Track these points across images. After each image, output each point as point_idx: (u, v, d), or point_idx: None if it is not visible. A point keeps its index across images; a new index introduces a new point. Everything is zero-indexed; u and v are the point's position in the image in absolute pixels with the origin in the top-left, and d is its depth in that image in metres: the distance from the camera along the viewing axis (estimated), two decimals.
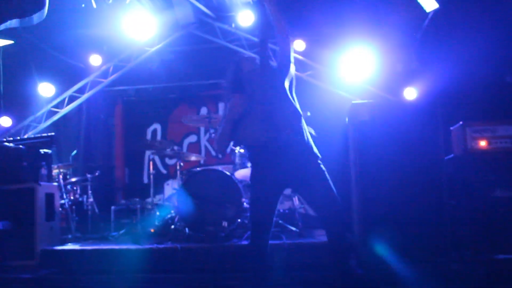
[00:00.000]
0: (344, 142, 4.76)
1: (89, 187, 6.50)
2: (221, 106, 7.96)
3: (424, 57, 6.80)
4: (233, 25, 7.37)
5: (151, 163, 6.03)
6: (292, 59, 3.23)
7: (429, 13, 6.26)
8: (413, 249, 4.02)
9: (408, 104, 5.12)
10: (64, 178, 6.22)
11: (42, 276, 4.52)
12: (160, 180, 6.81)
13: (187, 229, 4.95)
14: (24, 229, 4.90)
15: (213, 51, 7.72)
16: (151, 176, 5.91)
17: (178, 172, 5.71)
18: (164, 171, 8.17)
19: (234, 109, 3.06)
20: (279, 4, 3.14)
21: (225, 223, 4.72)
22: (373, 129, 4.21)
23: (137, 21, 6.80)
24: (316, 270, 4.09)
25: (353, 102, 4.44)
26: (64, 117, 7.89)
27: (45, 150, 5.54)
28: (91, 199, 6.48)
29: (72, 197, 6.30)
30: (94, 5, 6.48)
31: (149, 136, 8.33)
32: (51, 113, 7.79)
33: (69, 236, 5.72)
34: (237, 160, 5.51)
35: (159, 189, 6.69)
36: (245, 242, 4.57)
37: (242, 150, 5.45)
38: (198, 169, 5.54)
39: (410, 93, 6.80)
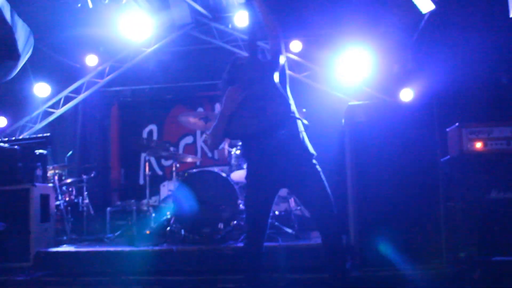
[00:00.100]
0: (340, 143, 4.75)
1: (84, 188, 6.48)
2: (217, 107, 7.95)
3: (421, 58, 6.80)
4: (229, 26, 7.36)
5: (147, 164, 6.00)
6: (282, 53, 3.22)
7: (425, 14, 6.26)
8: (409, 250, 4.01)
9: (404, 105, 5.13)
10: (60, 179, 6.20)
11: (37, 278, 4.50)
12: (156, 181, 6.79)
13: (182, 231, 4.93)
14: (18, 231, 4.87)
15: (209, 51, 7.71)
16: (147, 178, 5.89)
17: (174, 174, 5.70)
18: (160, 172, 8.15)
19: (228, 104, 3.05)
20: (269, 3, 3.12)
21: (221, 225, 4.70)
22: (370, 131, 4.21)
23: (134, 22, 6.79)
24: (312, 272, 4.08)
25: (350, 103, 4.43)
26: (60, 117, 7.86)
27: (41, 151, 5.52)
28: (86, 200, 6.46)
29: (67, 198, 6.27)
30: (90, 5, 6.45)
31: (145, 137, 8.30)
32: (46, 114, 7.76)
33: (64, 237, 5.70)
34: (233, 161, 5.49)
35: (155, 191, 6.66)
36: (241, 244, 4.55)
37: (238, 152, 5.43)
38: (194, 170, 5.52)
39: (407, 94, 6.81)
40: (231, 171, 5.46)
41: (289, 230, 5.10)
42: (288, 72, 3.32)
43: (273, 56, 3.16)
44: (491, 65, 5.82)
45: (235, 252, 4.35)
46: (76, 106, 7.96)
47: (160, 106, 8.32)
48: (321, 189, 3.05)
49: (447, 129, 4.48)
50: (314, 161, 3.12)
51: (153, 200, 6.48)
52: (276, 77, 3.05)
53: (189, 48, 7.84)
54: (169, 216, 5.40)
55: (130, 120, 8.39)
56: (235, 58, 3.37)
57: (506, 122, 4.19)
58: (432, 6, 6.05)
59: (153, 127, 8.34)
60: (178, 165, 5.81)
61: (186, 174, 5.25)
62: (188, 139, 8.23)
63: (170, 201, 5.45)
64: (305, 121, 3.16)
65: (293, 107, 3.18)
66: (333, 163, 4.76)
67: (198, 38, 7.57)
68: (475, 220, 4.05)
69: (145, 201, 5.94)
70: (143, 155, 8.07)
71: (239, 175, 5.23)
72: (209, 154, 8.02)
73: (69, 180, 6.41)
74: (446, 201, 4.17)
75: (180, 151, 8.03)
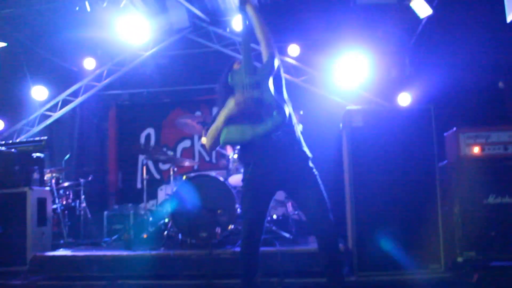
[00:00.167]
0: (338, 147, 4.75)
1: (81, 191, 6.46)
2: (215, 110, 7.92)
3: (418, 63, 6.82)
4: (227, 30, 7.37)
5: (144, 168, 5.99)
6: (276, 58, 3.21)
7: (422, 19, 6.28)
8: (407, 255, 4.01)
9: (402, 110, 5.13)
10: (57, 183, 6.18)
11: (33, 282, 4.48)
12: (153, 185, 6.79)
13: (180, 235, 4.92)
14: (15, 234, 4.86)
15: (207, 55, 7.71)
16: (145, 181, 5.87)
17: (172, 178, 5.68)
18: (158, 176, 8.13)
19: (229, 110, 3.04)
20: (266, 7, 3.14)
21: (218, 229, 4.68)
22: (367, 135, 4.21)
23: (132, 25, 6.78)
24: (310, 277, 4.08)
25: (347, 108, 4.44)
26: (57, 121, 7.85)
27: (38, 154, 5.51)
28: (83, 204, 6.44)
29: (64, 202, 6.26)
30: (88, 8, 6.46)
31: (142, 140, 8.29)
32: (44, 117, 7.75)
33: (61, 241, 5.68)
34: (230, 165, 5.49)
35: (153, 194, 6.67)
36: (238, 249, 4.53)
37: (236, 156, 5.42)
38: (191, 174, 5.51)
39: (404, 99, 6.82)
40: (229, 175, 5.45)
41: (287, 235, 5.09)
42: (284, 75, 3.31)
43: (267, 62, 3.15)
44: (488, 70, 5.84)
45: (232, 257, 4.34)
46: (73, 109, 7.95)
47: (158, 110, 8.31)
48: (317, 192, 3.04)
49: (445, 134, 4.49)
50: (310, 163, 3.11)
51: (151, 204, 6.48)
52: (271, 84, 3.05)
53: (187, 52, 7.84)
54: (166, 220, 5.39)
55: (128, 124, 8.38)
56: (233, 62, 3.37)
57: (504, 127, 4.20)
58: (429, 11, 6.08)
59: (150, 130, 8.33)
60: (175, 169, 5.80)
61: (184, 177, 5.24)
62: (186, 143, 8.21)
63: (168, 205, 5.42)
64: (300, 127, 3.15)
65: (290, 110, 3.18)
66: (331, 168, 4.77)
67: (196, 41, 7.58)
68: (473, 225, 4.05)
69: (142, 205, 5.93)
70: (140, 158, 8.05)
71: (237, 179, 5.22)
72: (207, 158, 8.00)
73: (66, 184, 6.39)
74: (444, 206, 4.18)
75: (178, 155, 8.02)
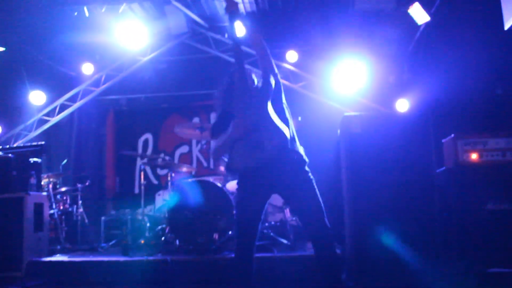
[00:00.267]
0: (336, 154, 4.75)
1: (79, 197, 6.44)
2: (213, 116, 7.94)
3: (416, 69, 6.84)
4: (226, 35, 7.38)
5: (142, 173, 5.97)
6: (274, 71, 3.22)
7: (420, 25, 6.30)
8: (404, 261, 3.99)
9: (399, 116, 5.13)
10: (54, 188, 6.15)
11: None
12: (151, 190, 6.75)
13: (177, 241, 4.90)
14: (11, 240, 4.82)
15: (205, 61, 7.72)
16: (142, 187, 5.86)
17: (169, 183, 5.67)
18: (156, 182, 8.11)
19: (235, 131, 3.05)
20: (260, 15, 3.17)
21: (216, 235, 4.67)
22: (365, 142, 4.20)
23: (130, 30, 6.79)
24: (308, 284, 4.06)
25: (345, 114, 4.43)
26: (55, 125, 7.84)
27: (35, 159, 5.48)
28: (81, 209, 6.41)
29: (61, 207, 6.22)
30: (87, 14, 6.47)
31: (140, 146, 8.28)
32: (42, 122, 7.74)
33: (58, 246, 5.65)
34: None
35: (150, 200, 6.62)
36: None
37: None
38: (189, 180, 5.49)
39: (402, 105, 6.83)
40: (227, 181, 5.44)
41: (285, 241, 5.08)
42: (283, 81, 3.32)
43: (264, 78, 3.17)
44: (486, 76, 5.85)
45: (230, 263, 4.32)
46: (71, 114, 7.94)
47: (155, 115, 8.30)
48: (312, 197, 3.04)
49: (443, 140, 4.49)
50: (306, 168, 3.11)
51: (148, 209, 6.44)
52: (271, 107, 3.06)
53: (185, 57, 7.85)
54: (164, 226, 5.37)
55: (126, 129, 8.37)
56: (233, 70, 3.37)
57: (502, 133, 4.20)
58: (427, 18, 6.10)
59: (148, 136, 8.32)
60: (173, 174, 5.78)
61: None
62: (184, 149, 8.20)
63: (165, 210, 5.41)
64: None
65: (288, 117, 3.19)
66: (329, 174, 4.76)
67: (194, 47, 7.59)
68: (471, 232, 4.04)
69: (140, 210, 5.90)
70: (138, 163, 8.03)
71: (234, 185, 5.19)
72: (205, 164, 7.99)
73: (63, 189, 6.36)
74: (442, 213, 4.17)
75: (176, 160, 8.00)
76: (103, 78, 7.78)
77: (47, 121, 7.74)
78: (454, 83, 6.00)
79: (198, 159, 8.12)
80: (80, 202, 6.43)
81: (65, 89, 7.80)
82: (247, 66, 3.43)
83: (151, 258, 4.59)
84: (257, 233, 3.12)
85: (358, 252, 4.11)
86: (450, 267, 4.07)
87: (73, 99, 7.79)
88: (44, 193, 5.55)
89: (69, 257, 5.00)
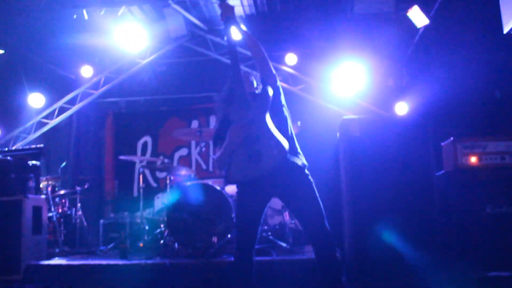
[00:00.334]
0: (335, 157, 4.74)
1: (78, 199, 6.42)
2: (212, 119, 7.94)
3: (415, 72, 6.84)
4: (225, 38, 7.34)
5: (141, 176, 5.96)
6: (273, 76, 3.22)
7: (419, 28, 6.31)
8: (404, 264, 3.99)
9: (399, 119, 5.13)
10: (53, 191, 6.14)
11: None
12: (150, 193, 6.73)
13: (176, 244, 4.88)
14: (9, 243, 4.79)
15: (205, 63, 7.72)
16: (141, 190, 5.84)
17: (168, 186, 5.66)
18: (154, 184, 8.09)
19: (230, 141, 3.04)
20: (259, 18, 3.18)
21: (214, 239, 4.66)
22: (364, 145, 4.20)
23: (129, 33, 6.79)
24: (307, 287, 4.04)
25: (344, 117, 4.43)
26: (54, 128, 7.83)
27: (34, 162, 5.47)
28: (79, 212, 6.39)
29: (60, 210, 6.20)
30: (86, 16, 6.46)
31: (139, 148, 8.26)
32: (40, 124, 7.73)
33: (57, 249, 5.63)
34: None
35: (149, 203, 6.60)
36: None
37: None
38: (188, 183, 5.48)
39: (401, 108, 6.83)
40: (226, 184, 5.42)
41: (284, 244, 5.07)
42: (282, 84, 3.32)
43: (263, 86, 3.17)
44: (486, 79, 5.86)
45: (229, 266, 4.31)
46: (70, 117, 7.94)
47: (155, 118, 8.29)
48: (312, 200, 3.04)
49: (442, 144, 4.49)
50: (306, 171, 3.11)
51: (147, 212, 6.42)
52: (269, 118, 3.06)
53: (185, 60, 7.85)
54: (162, 229, 5.35)
55: (125, 132, 8.35)
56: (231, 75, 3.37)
57: (501, 137, 4.20)
58: (426, 21, 6.11)
59: (147, 138, 8.30)
60: (172, 177, 5.77)
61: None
62: (183, 151, 8.18)
63: (164, 213, 5.39)
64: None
65: (288, 121, 3.19)
66: (328, 177, 4.75)
67: (194, 50, 7.59)
68: (471, 235, 4.04)
69: (138, 213, 5.88)
70: (137, 166, 8.02)
71: (233, 188, 5.17)
72: (204, 167, 7.98)
73: (62, 192, 6.35)
74: (441, 216, 4.16)
75: (175, 163, 7.99)
76: (102, 81, 7.77)
77: (46, 123, 7.73)
78: (453, 86, 6.01)
79: (197, 161, 8.10)
80: (79, 205, 6.41)
81: (64, 91, 7.79)
82: (246, 69, 3.43)
83: (149, 261, 4.57)
84: (257, 237, 3.12)
85: (358, 254, 4.10)
86: (450, 270, 4.06)
87: (72, 102, 7.78)
88: (43, 196, 5.53)
89: (67, 260, 4.98)
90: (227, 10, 3.23)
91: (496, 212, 4.04)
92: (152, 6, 6.97)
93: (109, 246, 5.74)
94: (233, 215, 4.78)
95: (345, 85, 6.93)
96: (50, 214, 5.78)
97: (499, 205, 4.06)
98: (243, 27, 3.33)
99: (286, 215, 5.46)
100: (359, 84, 6.90)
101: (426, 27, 6.21)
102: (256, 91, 3.31)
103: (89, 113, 8.16)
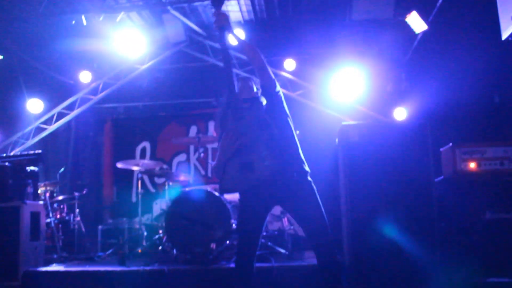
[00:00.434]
0: (334, 162, 4.74)
1: (76, 205, 6.40)
2: (211, 124, 7.93)
3: (414, 77, 6.85)
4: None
5: (139, 181, 5.94)
6: (273, 81, 3.22)
7: (418, 34, 6.32)
8: (403, 270, 3.97)
9: (397, 125, 5.13)
10: (51, 196, 6.12)
11: None
12: (148, 199, 6.71)
13: (174, 250, 4.86)
14: (7, 249, 4.76)
15: (203, 69, 7.73)
16: (139, 195, 5.82)
17: (167, 192, 5.64)
18: (153, 190, 8.07)
19: (223, 150, 3.04)
20: (258, 24, 3.18)
21: (213, 245, 4.63)
22: (363, 150, 4.19)
23: (128, 39, 6.80)
24: None
25: (343, 123, 4.43)
26: (53, 134, 7.83)
27: (32, 168, 5.45)
28: (78, 218, 6.37)
29: (58, 216, 6.18)
30: (85, 22, 6.47)
31: (138, 154, 8.25)
32: (39, 130, 7.72)
33: (55, 255, 5.60)
34: None
35: (148, 208, 6.59)
36: (233, 265, 4.48)
37: None
38: (187, 189, 5.47)
39: (400, 113, 6.83)
40: (220, 193, 5.40)
41: (282, 250, 5.04)
42: (281, 90, 3.31)
43: (263, 91, 3.18)
44: (484, 85, 5.87)
45: (227, 273, 4.29)
46: (69, 122, 7.93)
47: (153, 124, 8.28)
48: (315, 207, 3.04)
49: (441, 149, 4.48)
50: (309, 178, 3.10)
51: (146, 218, 6.41)
52: (263, 124, 3.05)
53: (183, 66, 7.86)
54: (161, 235, 5.33)
55: (123, 137, 8.34)
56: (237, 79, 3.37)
57: (500, 142, 4.20)
58: (425, 26, 6.12)
59: (146, 144, 8.29)
60: (171, 183, 5.76)
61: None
62: (181, 157, 8.17)
63: (162, 219, 5.38)
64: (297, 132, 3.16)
65: (291, 126, 3.19)
66: (327, 182, 4.75)
67: (192, 55, 7.60)
68: (470, 241, 4.03)
69: (137, 219, 5.86)
70: (135, 172, 8.00)
71: (232, 195, 5.18)
72: (202, 172, 7.97)
73: (60, 197, 6.32)
74: (440, 222, 4.15)
75: (173, 168, 7.98)
76: (100, 86, 7.78)
77: (44, 129, 7.72)
78: (452, 91, 6.02)
79: (196, 167, 8.09)
80: (77, 210, 6.39)
81: (63, 97, 7.79)
82: (244, 74, 3.43)
83: (148, 268, 4.55)
84: (258, 244, 3.12)
85: (357, 259, 4.09)
86: (449, 276, 4.05)
87: (70, 107, 7.78)
88: (41, 202, 5.51)
89: (65, 266, 4.95)
90: (222, 19, 3.23)
91: (495, 218, 4.03)
92: (150, 12, 6.98)
93: (107, 252, 5.71)
94: (232, 221, 4.76)
95: (344, 91, 6.93)
96: (48, 220, 5.76)
97: (498, 210, 4.05)
98: (240, 35, 3.32)
99: (285, 221, 5.45)
100: (358, 89, 6.90)
101: (424, 32, 6.22)
102: (257, 96, 3.30)
103: (87, 119, 8.15)
